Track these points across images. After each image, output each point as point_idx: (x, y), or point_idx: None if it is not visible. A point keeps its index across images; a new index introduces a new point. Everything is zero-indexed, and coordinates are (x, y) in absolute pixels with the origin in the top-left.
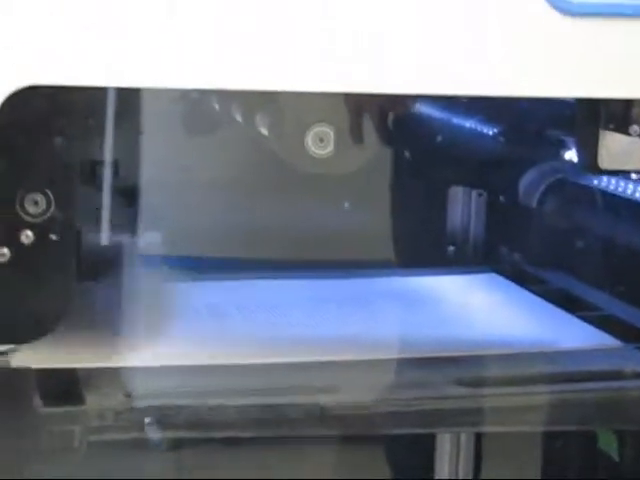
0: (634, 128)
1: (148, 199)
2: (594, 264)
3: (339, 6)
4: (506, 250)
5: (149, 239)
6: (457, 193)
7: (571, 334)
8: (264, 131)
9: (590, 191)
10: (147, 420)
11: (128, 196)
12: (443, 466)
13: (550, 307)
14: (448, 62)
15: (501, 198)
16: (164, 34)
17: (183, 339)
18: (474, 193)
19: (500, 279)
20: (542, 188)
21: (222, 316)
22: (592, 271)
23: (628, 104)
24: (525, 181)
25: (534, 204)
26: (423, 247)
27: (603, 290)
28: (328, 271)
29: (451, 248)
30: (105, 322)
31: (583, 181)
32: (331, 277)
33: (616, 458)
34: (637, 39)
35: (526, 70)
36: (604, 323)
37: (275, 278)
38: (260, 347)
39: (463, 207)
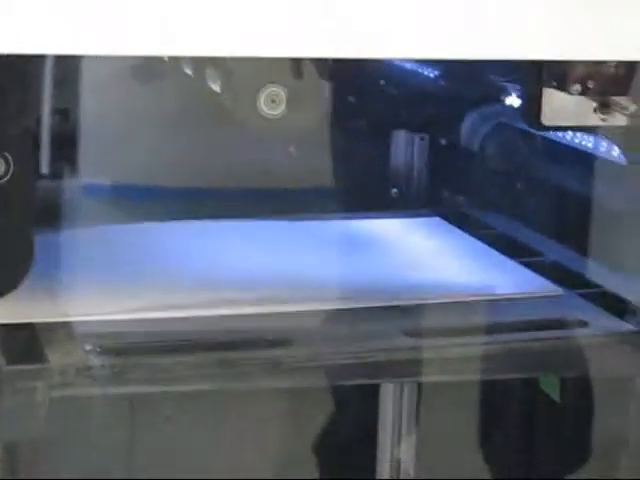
0: (575, 87)
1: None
2: (536, 209)
3: None
4: (449, 194)
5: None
6: (399, 137)
7: (513, 281)
8: (215, 87)
9: (531, 135)
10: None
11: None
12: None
13: (493, 253)
14: (401, 26)
15: (443, 141)
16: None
17: (135, 289)
18: (416, 137)
19: (444, 223)
20: (484, 131)
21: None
22: (534, 216)
23: (569, 64)
24: (467, 124)
25: (476, 147)
26: (366, 191)
27: (545, 235)
28: (270, 214)
29: (394, 191)
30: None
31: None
32: (273, 219)
33: (557, 399)
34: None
35: (472, 34)
36: (546, 269)
37: (213, 219)
38: (210, 296)
39: (406, 151)
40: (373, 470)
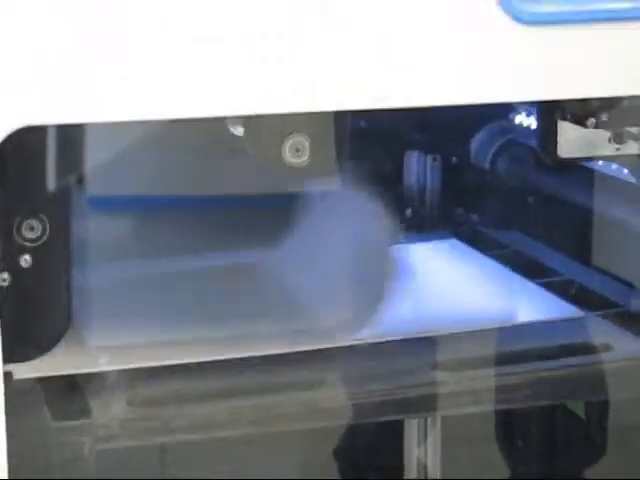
0: (590, 121)
1: None
2: (550, 226)
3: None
4: (463, 214)
5: None
6: (412, 158)
7: (535, 305)
8: (235, 131)
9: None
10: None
11: None
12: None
13: (512, 275)
14: (405, 73)
15: (454, 160)
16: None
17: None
18: (429, 158)
19: (460, 245)
20: (493, 149)
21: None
22: (549, 233)
23: (584, 99)
24: (476, 143)
25: (488, 166)
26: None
27: (560, 252)
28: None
29: (409, 212)
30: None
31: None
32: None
33: (582, 416)
34: (587, 44)
35: (483, 78)
36: (564, 289)
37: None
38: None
39: (419, 172)
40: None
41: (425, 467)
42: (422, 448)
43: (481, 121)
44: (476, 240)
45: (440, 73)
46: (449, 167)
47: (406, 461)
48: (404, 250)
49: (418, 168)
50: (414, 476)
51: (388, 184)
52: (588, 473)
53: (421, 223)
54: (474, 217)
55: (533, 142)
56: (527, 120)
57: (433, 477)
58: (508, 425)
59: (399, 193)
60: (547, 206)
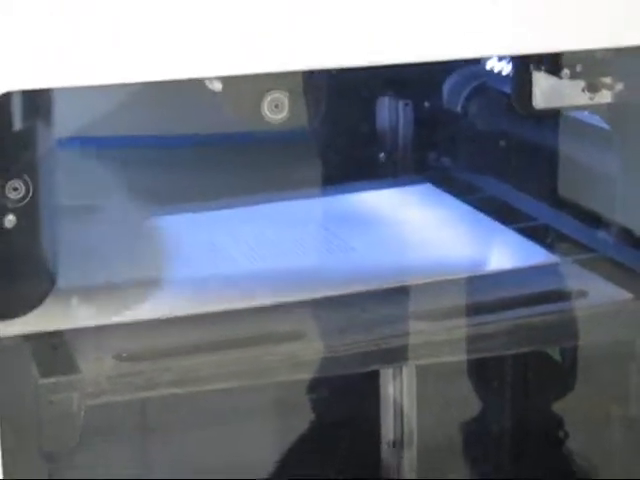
0: (565, 72)
1: None
2: (523, 170)
3: None
4: (437, 158)
5: None
6: (383, 104)
7: (510, 251)
8: (212, 87)
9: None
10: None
11: None
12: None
13: (487, 221)
14: (380, 28)
15: (426, 105)
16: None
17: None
18: (400, 103)
19: (435, 191)
20: (465, 93)
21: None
22: (522, 178)
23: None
24: (448, 87)
25: (458, 110)
26: (356, 159)
27: (534, 197)
28: (255, 191)
29: (382, 156)
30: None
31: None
32: (260, 200)
33: (558, 359)
34: None
35: (457, 32)
36: (539, 234)
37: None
38: (222, 292)
39: (391, 117)
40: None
41: (402, 414)
42: (398, 394)
43: (452, 66)
44: (451, 185)
45: (415, 29)
46: (421, 112)
47: (382, 408)
48: (378, 196)
49: (390, 114)
50: (391, 424)
51: (360, 130)
52: (555, 406)
53: (395, 168)
54: (447, 162)
55: (505, 86)
56: (499, 65)
57: (409, 424)
58: (483, 367)
59: (372, 139)
60: (520, 150)
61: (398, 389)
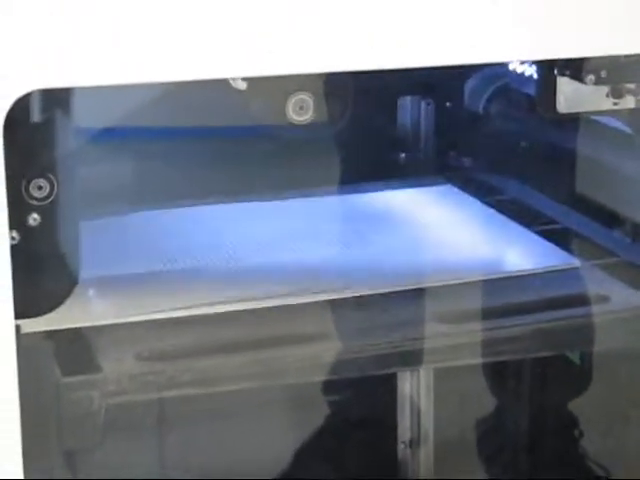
0: (589, 77)
1: None
2: (546, 173)
3: None
4: (458, 158)
5: None
6: (405, 104)
7: (532, 254)
8: (237, 85)
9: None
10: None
11: None
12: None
13: (508, 223)
14: (412, 34)
15: (448, 106)
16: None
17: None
18: (422, 103)
19: (456, 191)
20: (487, 94)
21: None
22: (545, 180)
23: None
24: (470, 88)
25: (480, 109)
26: (377, 159)
27: (556, 200)
28: (273, 190)
29: (402, 156)
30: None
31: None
32: (278, 198)
33: (577, 362)
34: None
35: (483, 37)
36: (560, 237)
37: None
38: (241, 290)
39: (412, 117)
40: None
41: (419, 413)
42: (415, 393)
43: (475, 67)
44: (471, 186)
45: (442, 33)
46: (443, 112)
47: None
48: (399, 196)
49: (412, 114)
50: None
51: (382, 130)
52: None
53: (416, 169)
54: (468, 162)
55: (526, 88)
56: (521, 66)
57: (425, 423)
58: (499, 366)
59: (393, 139)
60: (541, 152)
61: (415, 388)
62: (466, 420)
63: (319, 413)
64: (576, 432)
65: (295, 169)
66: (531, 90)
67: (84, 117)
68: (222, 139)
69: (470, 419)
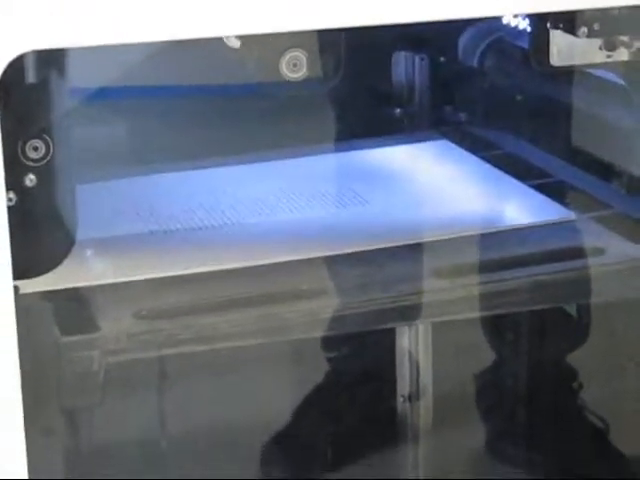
0: (582, 30)
1: None
2: (540, 126)
3: None
4: (454, 113)
5: None
6: (399, 59)
7: (528, 208)
8: (231, 43)
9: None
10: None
11: None
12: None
13: (503, 177)
14: None
15: (442, 60)
16: None
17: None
18: (416, 58)
19: (451, 147)
20: (481, 48)
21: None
22: (539, 134)
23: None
24: (464, 42)
25: (474, 63)
26: (371, 114)
27: (550, 153)
28: (268, 149)
29: (398, 111)
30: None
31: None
32: (273, 157)
33: (573, 313)
34: None
35: None
36: (556, 191)
37: (214, 165)
38: (240, 249)
39: (407, 72)
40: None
41: (417, 369)
42: (413, 347)
43: (468, 21)
44: (467, 141)
45: None
46: (437, 67)
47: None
48: (394, 152)
49: (406, 69)
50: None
51: (376, 86)
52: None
53: (411, 124)
54: (463, 117)
55: (520, 41)
56: (514, 20)
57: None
58: (497, 319)
59: (387, 95)
60: (536, 105)
61: (413, 343)
62: (464, 373)
63: (318, 368)
64: (574, 384)
65: (289, 127)
66: (525, 43)
67: (79, 77)
68: (216, 97)
69: (468, 372)
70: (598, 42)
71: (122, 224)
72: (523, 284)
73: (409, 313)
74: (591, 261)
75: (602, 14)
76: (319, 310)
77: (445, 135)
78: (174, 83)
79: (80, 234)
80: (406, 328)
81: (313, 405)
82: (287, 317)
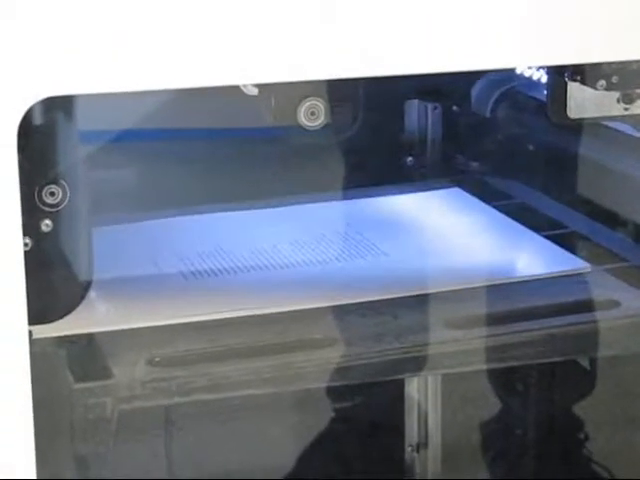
0: (600, 82)
1: None
2: (553, 176)
3: None
4: (466, 162)
5: None
6: (412, 107)
7: (542, 258)
8: (247, 90)
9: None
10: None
11: None
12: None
13: (517, 227)
14: (422, 40)
15: (455, 109)
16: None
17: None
18: (429, 106)
19: (464, 195)
20: (494, 97)
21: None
22: (552, 184)
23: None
24: (477, 91)
25: (487, 113)
26: (384, 161)
27: (563, 203)
28: (282, 194)
29: (410, 159)
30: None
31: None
32: (287, 202)
33: (586, 365)
34: (598, 8)
35: (495, 43)
36: (568, 241)
37: (228, 209)
38: (254, 296)
39: (420, 121)
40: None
41: (426, 418)
42: (422, 397)
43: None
44: (480, 190)
45: (449, 39)
46: (450, 116)
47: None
48: (408, 200)
49: (419, 117)
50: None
51: (389, 134)
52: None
53: (424, 172)
54: (476, 166)
55: (534, 91)
56: (528, 70)
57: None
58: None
59: (401, 142)
60: (549, 155)
61: (422, 392)
62: (472, 423)
63: (326, 416)
64: (581, 434)
65: (302, 172)
66: (538, 93)
67: (96, 122)
68: (232, 140)
69: (476, 421)
70: (616, 95)
71: (137, 267)
72: (536, 336)
73: (421, 364)
74: (606, 314)
75: (621, 67)
76: (332, 360)
77: (458, 184)
78: (189, 126)
79: (95, 277)
80: (415, 377)
81: (321, 453)
82: (300, 366)
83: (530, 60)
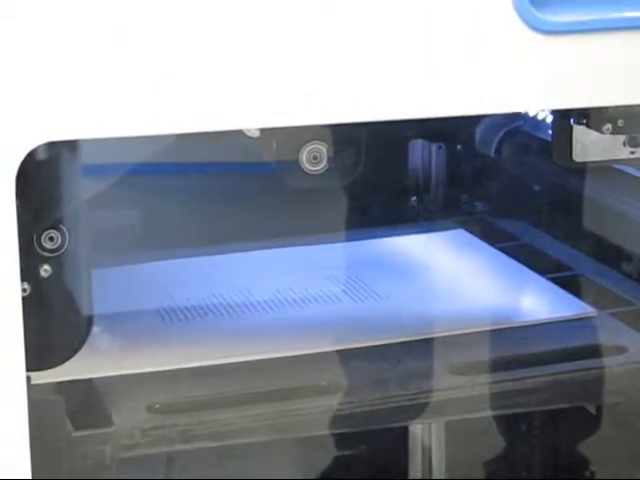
0: (606, 126)
1: None
2: (559, 218)
3: None
4: (471, 202)
5: None
6: (416, 147)
7: (547, 302)
8: (249, 133)
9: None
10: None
11: None
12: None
13: (522, 270)
14: (424, 83)
15: (459, 149)
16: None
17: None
18: (433, 146)
19: (468, 236)
20: (498, 137)
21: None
22: (557, 225)
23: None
24: (481, 131)
25: (492, 153)
26: (388, 202)
27: (569, 245)
28: (281, 235)
29: (414, 199)
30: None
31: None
32: (290, 243)
33: (592, 411)
34: (605, 53)
35: (502, 87)
36: (574, 284)
37: (229, 251)
38: (256, 341)
39: (424, 161)
40: None
41: (430, 462)
42: (426, 437)
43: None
44: (484, 231)
45: (453, 84)
46: (454, 156)
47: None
48: (411, 241)
49: (423, 157)
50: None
51: (393, 174)
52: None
53: (428, 212)
54: (481, 206)
55: (538, 131)
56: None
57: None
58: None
59: (404, 183)
60: (555, 196)
61: (426, 433)
62: (476, 462)
63: (329, 458)
64: (587, 473)
65: (305, 213)
66: (543, 134)
67: (96, 168)
68: (233, 176)
69: (480, 461)
70: (622, 138)
71: (136, 311)
72: (542, 383)
73: (425, 411)
74: (613, 359)
75: (627, 111)
76: (334, 407)
77: (462, 224)
78: (188, 160)
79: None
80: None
81: None
82: (303, 413)
83: (536, 104)
